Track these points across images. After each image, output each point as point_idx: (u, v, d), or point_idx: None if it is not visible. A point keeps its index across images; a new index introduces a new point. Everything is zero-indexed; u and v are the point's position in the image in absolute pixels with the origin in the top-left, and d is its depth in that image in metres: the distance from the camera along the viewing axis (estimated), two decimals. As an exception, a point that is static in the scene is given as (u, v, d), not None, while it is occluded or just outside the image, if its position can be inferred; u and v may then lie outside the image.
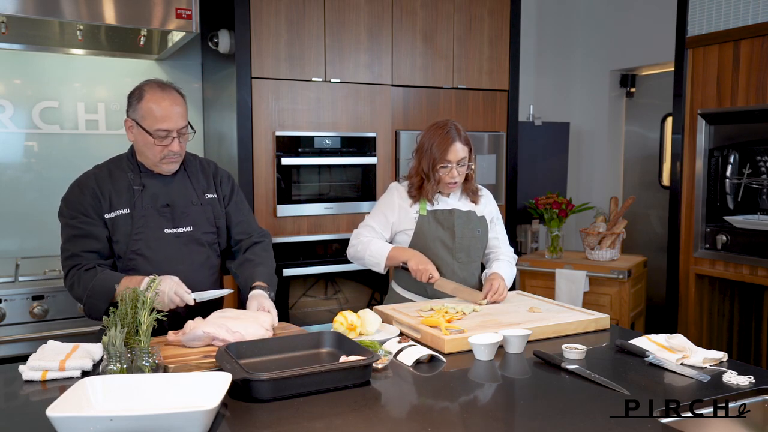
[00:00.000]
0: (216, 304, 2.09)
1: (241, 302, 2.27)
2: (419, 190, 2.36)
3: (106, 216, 1.98)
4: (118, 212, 1.99)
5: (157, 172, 2.04)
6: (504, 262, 2.44)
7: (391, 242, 2.45)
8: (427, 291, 2.37)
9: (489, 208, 2.50)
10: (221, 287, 2.21)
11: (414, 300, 2.39)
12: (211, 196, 2.14)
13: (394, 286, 2.49)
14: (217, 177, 2.19)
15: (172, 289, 1.84)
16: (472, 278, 2.43)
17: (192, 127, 2.03)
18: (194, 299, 1.89)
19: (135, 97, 1.97)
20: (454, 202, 2.42)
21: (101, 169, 2.06)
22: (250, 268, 2.11)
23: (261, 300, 1.98)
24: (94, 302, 1.93)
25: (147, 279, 1.86)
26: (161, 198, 2.03)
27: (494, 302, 2.22)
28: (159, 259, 2.00)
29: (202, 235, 2.09)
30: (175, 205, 2.05)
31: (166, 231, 2.03)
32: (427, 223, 2.37)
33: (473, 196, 2.45)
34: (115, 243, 2.00)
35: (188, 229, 2.06)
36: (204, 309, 1.97)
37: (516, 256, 2.55)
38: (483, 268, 2.52)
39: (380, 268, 2.37)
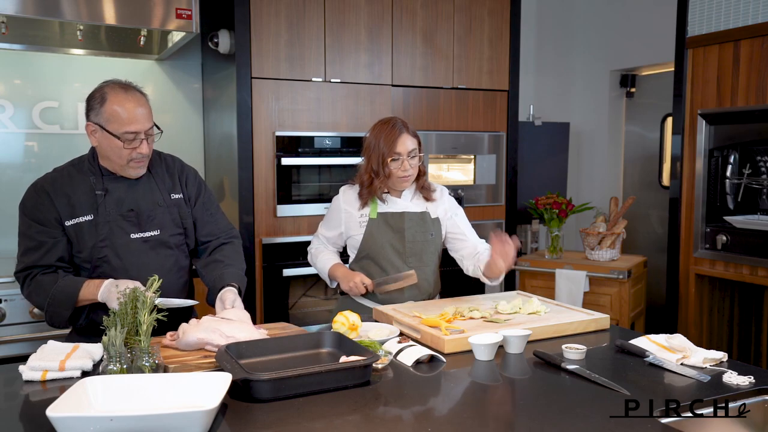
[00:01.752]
0: (186, 313, 2.05)
1: (205, 310, 2.16)
2: (369, 189, 2.30)
3: (67, 223, 1.91)
4: (81, 219, 1.91)
5: (123, 175, 1.96)
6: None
7: (344, 247, 2.45)
8: (377, 296, 2.33)
9: (444, 206, 2.41)
10: (191, 290, 2.17)
11: (366, 304, 2.33)
12: (176, 196, 2.07)
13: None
14: (183, 176, 2.11)
15: None
16: (425, 283, 2.37)
17: (158, 128, 1.96)
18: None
19: (97, 100, 1.88)
20: (405, 203, 2.35)
21: (60, 173, 1.98)
22: (219, 269, 2.03)
23: (228, 296, 1.92)
24: (56, 310, 1.87)
25: (107, 282, 1.84)
26: (126, 202, 1.96)
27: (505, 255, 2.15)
28: (127, 266, 1.94)
29: (169, 238, 2.03)
30: (141, 209, 1.98)
31: (133, 236, 1.96)
32: (377, 227, 2.32)
33: (426, 193, 2.37)
34: (78, 252, 1.93)
35: (155, 233, 2.00)
36: (178, 316, 1.94)
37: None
38: (441, 273, 2.45)
39: (329, 284, 2.41)
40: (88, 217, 1.92)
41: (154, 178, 2.04)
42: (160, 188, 2.03)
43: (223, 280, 1.99)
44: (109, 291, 1.82)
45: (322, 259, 2.41)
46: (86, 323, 1.96)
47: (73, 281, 1.88)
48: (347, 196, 2.38)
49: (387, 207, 2.34)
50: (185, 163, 2.17)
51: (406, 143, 2.26)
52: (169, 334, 1.81)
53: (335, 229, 2.41)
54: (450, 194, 2.49)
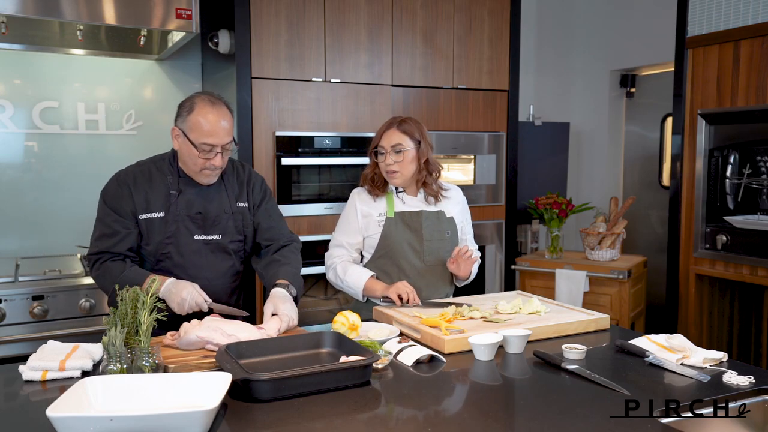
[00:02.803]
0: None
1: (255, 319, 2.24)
2: (368, 179, 2.37)
3: (141, 217, 2.02)
4: (153, 215, 2.03)
5: (195, 180, 2.07)
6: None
7: (361, 249, 2.41)
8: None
9: (458, 207, 2.45)
10: (242, 295, 2.26)
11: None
12: (242, 204, 2.16)
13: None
14: (250, 184, 2.20)
15: (193, 298, 1.90)
16: (441, 282, 2.39)
17: (236, 142, 2.07)
18: (209, 307, 1.93)
19: (185, 108, 2.01)
20: (420, 202, 2.38)
21: (142, 168, 2.09)
22: (275, 267, 2.13)
23: (276, 302, 1.95)
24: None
25: (169, 281, 1.94)
26: (196, 205, 2.07)
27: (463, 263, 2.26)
28: (186, 265, 2.05)
29: (229, 244, 2.12)
30: (208, 213, 2.08)
31: (196, 238, 2.07)
32: (395, 226, 2.33)
33: (431, 191, 2.38)
34: (145, 244, 2.04)
35: (217, 237, 2.10)
36: (179, 315, 1.97)
37: (479, 252, 2.50)
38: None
39: (360, 298, 2.34)
40: (160, 214, 2.03)
41: (225, 185, 2.14)
42: (228, 196, 2.13)
43: (276, 277, 2.08)
44: (169, 291, 1.93)
45: (353, 273, 2.31)
46: None
47: (137, 273, 1.97)
48: (362, 196, 2.40)
49: (404, 206, 2.36)
50: (254, 171, 2.27)
51: (390, 137, 2.30)
52: (169, 333, 1.82)
53: (356, 232, 2.38)
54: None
